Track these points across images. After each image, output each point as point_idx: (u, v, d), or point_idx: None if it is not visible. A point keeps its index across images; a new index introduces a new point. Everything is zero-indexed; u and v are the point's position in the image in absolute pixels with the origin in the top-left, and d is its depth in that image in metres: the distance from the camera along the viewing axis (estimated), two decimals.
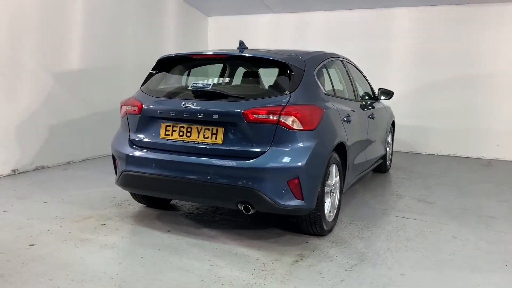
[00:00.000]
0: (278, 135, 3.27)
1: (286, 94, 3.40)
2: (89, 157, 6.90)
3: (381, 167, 6.29)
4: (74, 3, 6.48)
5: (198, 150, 3.45)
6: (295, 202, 3.28)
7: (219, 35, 9.78)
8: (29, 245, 3.40)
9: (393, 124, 6.58)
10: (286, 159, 3.24)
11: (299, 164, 3.24)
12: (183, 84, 3.91)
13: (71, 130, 6.59)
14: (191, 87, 3.63)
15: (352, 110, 4.31)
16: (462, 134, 8.06)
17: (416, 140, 8.38)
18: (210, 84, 3.60)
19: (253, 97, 3.42)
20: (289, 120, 3.26)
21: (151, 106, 3.65)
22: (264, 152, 3.27)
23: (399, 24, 8.31)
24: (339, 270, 3.10)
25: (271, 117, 3.26)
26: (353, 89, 4.81)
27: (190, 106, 3.44)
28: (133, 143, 3.74)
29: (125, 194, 4.82)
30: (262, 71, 3.98)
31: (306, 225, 3.60)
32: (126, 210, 4.36)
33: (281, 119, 3.25)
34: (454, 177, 6.32)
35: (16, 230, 3.74)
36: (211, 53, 3.90)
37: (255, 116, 3.27)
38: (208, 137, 3.43)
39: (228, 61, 4.29)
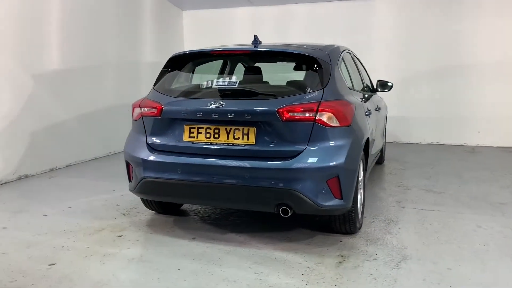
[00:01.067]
0: (315, 133, 3.13)
1: (319, 90, 3.26)
2: (73, 163, 6.49)
3: (378, 159, 6.30)
4: (52, 2, 6.03)
5: (228, 152, 3.26)
6: (335, 202, 3.16)
7: (195, 30, 9.49)
8: (49, 265, 3.10)
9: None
10: (326, 158, 3.12)
11: (339, 162, 3.13)
12: (203, 82, 3.68)
13: (53, 135, 6.16)
14: (216, 85, 3.42)
15: (368, 104, 4.25)
16: (444, 123, 8.25)
17: (400, 130, 8.49)
18: (236, 82, 3.40)
19: (284, 94, 3.26)
20: (326, 117, 3.13)
21: (173, 107, 3.41)
22: (301, 151, 3.13)
23: (380, 16, 8.36)
24: (386, 269, 3.02)
25: (307, 114, 3.12)
26: (362, 82, 4.75)
27: (219, 106, 3.23)
28: (152, 147, 3.49)
29: (129, 202, 4.55)
30: (288, 66, 3.81)
31: (339, 224, 3.50)
32: (138, 218, 4.09)
33: (317, 116, 3.12)
34: (448, 165, 6.43)
35: (26, 248, 3.41)
36: (232, 48, 3.70)
37: (290, 114, 3.12)
38: (238, 138, 3.24)
39: (250, 57, 4.08)
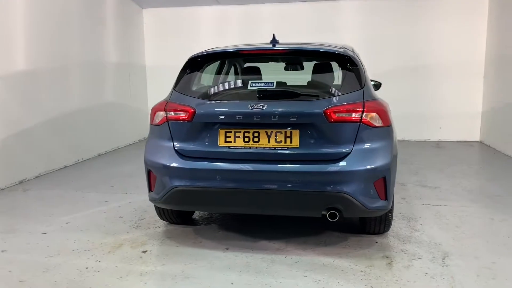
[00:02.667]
0: (360, 134, 3.08)
1: (358, 90, 3.21)
2: (43, 173, 5.92)
3: None
4: (13, 3, 5.45)
5: (270, 156, 3.11)
6: (380, 203, 3.13)
7: (157, 29, 9.08)
8: None
9: None
10: (373, 159, 3.08)
11: (386, 163, 3.10)
12: (235, 83, 3.47)
13: (21, 142, 5.58)
14: (252, 86, 3.25)
15: None
16: (408, 120, 8.58)
17: None
18: (273, 83, 3.25)
19: (326, 95, 3.18)
20: (371, 117, 3.09)
21: (207, 111, 3.19)
22: (348, 153, 3.06)
23: (346, 17, 8.53)
24: (436, 266, 3.05)
25: (353, 115, 3.06)
26: None
27: (260, 108, 3.07)
28: (182, 154, 3.24)
29: (131, 213, 4.26)
30: (321, 66, 3.69)
31: (375, 224, 3.48)
32: (152, 230, 3.80)
33: (363, 116, 3.07)
34: (424, 161, 6.68)
35: (44, 273, 3.02)
36: (263, 48, 3.53)
37: (337, 115, 3.04)
38: (281, 141, 3.10)
39: (282, 56, 3.91)
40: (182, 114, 3.23)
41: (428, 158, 6.92)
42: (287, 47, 3.51)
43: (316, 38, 8.26)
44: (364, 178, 3.04)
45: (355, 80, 3.26)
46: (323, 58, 3.62)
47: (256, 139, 3.13)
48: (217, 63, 3.63)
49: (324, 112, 3.03)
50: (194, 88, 3.44)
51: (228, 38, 8.86)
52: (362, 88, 3.23)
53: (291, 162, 3.08)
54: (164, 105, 3.35)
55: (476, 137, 8.30)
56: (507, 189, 4.98)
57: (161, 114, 3.34)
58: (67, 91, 6.54)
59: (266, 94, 3.17)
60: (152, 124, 3.45)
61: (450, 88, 8.34)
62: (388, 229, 3.59)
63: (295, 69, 3.76)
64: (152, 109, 3.45)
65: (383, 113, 3.15)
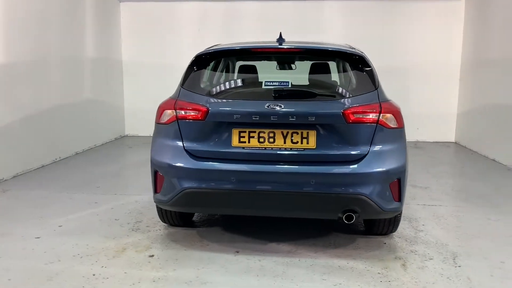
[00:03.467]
0: (377, 135, 3.06)
1: (373, 91, 3.20)
2: (20, 172, 5.59)
3: None
4: None
5: (286, 157, 3.05)
6: (395, 205, 3.13)
7: (134, 24, 8.79)
8: None
9: None
10: (390, 161, 3.07)
11: (402, 164, 3.10)
12: (248, 82, 3.37)
13: None
14: (267, 85, 3.16)
15: None
16: None
17: None
18: (288, 82, 3.17)
19: (343, 96, 3.14)
20: (387, 119, 3.08)
21: (222, 109, 3.08)
22: (365, 154, 3.04)
23: (329, 17, 8.57)
24: (449, 267, 3.08)
25: (371, 116, 3.04)
26: None
27: (278, 108, 2.99)
28: (193, 155, 3.12)
29: (126, 215, 4.11)
30: (333, 66, 3.64)
31: (384, 226, 3.48)
32: (154, 233, 3.65)
33: (380, 117, 3.05)
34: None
35: (49, 281, 2.84)
36: (275, 46, 3.45)
37: (356, 116, 3.01)
38: (297, 142, 3.04)
39: (294, 55, 3.82)
40: (194, 113, 3.10)
41: (410, 158, 7.03)
42: (300, 45, 3.45)
43: (299, 37, 8.27)
44: (381, 179, 3.03)
45: (369, 81, 3.25)
46: (336, 58, 3.57)
47: (271, 140, 3.05)
48: (225, 60, 3.52)
49: (343, 113, 2.99)
50: (203, 86, 3.32)
51: (209, 36, 8.71)
52: (376, 89, 3.21)
53: (308, 163, 3.03)
54: (173, 103, 3.21)
55: (452, 138, 8.55)
56: (493, 189, 5.14)
57: (169, 113, 3.20)
58: (43, 87, 6.21)
59: (282, 94, 3.10)
60: (158, 123, 3.30)
61: (427, 90, 8.54)
62: (395, 230, 3.60)
63: (304, 68, 3.71)
64: (159, 107, 3.30)
65: (398, 115, 3.15)
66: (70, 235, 3.59)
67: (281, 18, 8.58)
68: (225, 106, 3.10)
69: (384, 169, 3.02)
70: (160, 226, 3.79)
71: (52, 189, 4.97)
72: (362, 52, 3.50)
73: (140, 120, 8.94)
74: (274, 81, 3.15)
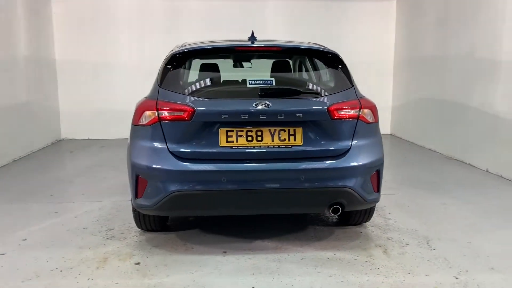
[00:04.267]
0: (358, 130, 3.20)
1: (349, 88, 3.33)
2: None
3: None
4: None
5: (274, 155, 3.08)
6: (375, 196, 3.29)
7: (68, 21, 8.29)
8: None
9: None
10: (370, 154, 3.22)
11: (380, 157, 3.27)
12: (228, 80, 3.33)
13: None
14: (252, 84, 3.16)
15: None
16: None
17: None
18: (272, 80, 3.20)
19: (325, 93, 3.23)
20: (366, 114, 3.23)
21: (209, 109, 3.03)
22: (348, 149, 3.16)
23: (272, 15, 8.69)
24: (426, 251, 3.30)
25: (352, 112, 3.17)
26: None
27: (265, 106, 3.02)
28: (178, 156, 3.04)
29: (93, 223, 3.92)
30: (310, 64, 3.69)
31: (360, 216, 3.63)
32: (131, 240, 3.51)
33: (360, 113, 3.19)
34: None
35: None
36: (258, 45, 3.45)
37: (339, 112, 3.12)
38: (285, 139, 3.08)
39: (272, 53, 3.81)
40: (179, 113, 3.03)
41: None
42: (279, 44, 3.49)
43: (243, 35, 8.31)
44: (364, 172, 3.17)
45: (345, 78, 3.37)
46: (311, 56, 3.63)
47: (259, 138, 3.07)
48: (202, 59, 3.47)
49: (328, 110, 3.08)
50: (184, 86, 3.25)
51: (151, 33, 8.47)
52: (353, 86, 3.35)
53: (296, 160, 3.09)
54: (153, 104, 3.10)
55: (388, 130, 9.07)
56: (439, 177, 5.56)
57: (150, 114, 3.09)
58: None
59: (268, 92, 3.12)
60: (136, 125, 3.18)
61: (364, 86, 8.93)
62: (369, 220, 3.77)
63: (283, 66, 3.75)
64: (138, 108, 3.18)
65: (374, 110, 3.31)
66: (40, 249, 3.34)
67: (225, 17, 8.58)
68: (212, 106, 3.06)
69: (366, 162, 3.17)
70: (135, 232, 3.65)
71: (1, 200, 4.57)
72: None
73: (77, 123, 8.50)
74: (258, 80, 3.16)
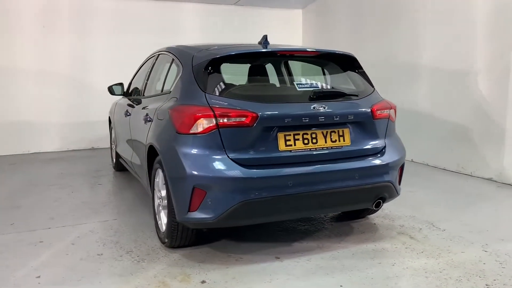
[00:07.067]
0: (389, 128, 3.49)
1: (374, 89, 3.60)
2: None
3: None
4: None
5: (328, 156, 3.18)
6: (400, 187, 3.61)
7: None
8: None
9: None
10: (399, 149, 3.53)
11: (404, 152, 3.60)
12: (277, 85, 3.27)
13: None
14: (302, 88, 3.20)
15: None
16: None
17: None
18: (318, 83, 3.27)
19: (363, 95, 3.43)
20: (392, 113, 3.54)
21: (272, 113, 2.98)
22: (384, 146, 3.42)
23: (186, 19, 8.54)
24: (440, 232, 3.74)
25: (386, 111, 3.44)
26: None
27: (322, 109, 3.10)
28: (241, 164, 2.94)
29: (102, 247, 3.51)
30: (336, 67, 3.74)
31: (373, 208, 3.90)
32: (170, 259, 3.23)
33: (390, 112, 3.49)
34: None
35: None
36: (292, 49, 3.47)
37: (379, 112, 3.36)
38: (335, 140, 3.21)
39: (305, 58, 3.74)
40: (241, 119, 2.92)
41: None
42: (309, 48, 3.56)
43: (157, 39, 8.07)
44: (396, 167, 3.47)
45: (368, 81, 3.63)
46: (336, 60, 3.72)
47: (314, 140, 3.14)
48: (240, 63, 3.36)
49: (371, 110, 3.30)
50: (234, 90, 3.12)
51: (55, 35, 7.61)
52: (374, 88, 3.62)
53: (347, 159, 3.23)
54: (209, 110, 2.92)
55: None
56: None
57: (206, 121, 2.91)
58: None
59: (320, 95, 3.19)
60: (186, 133, 2.96)
61: None
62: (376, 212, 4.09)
63: (314, 70, 3.80)
64: (187, 115, 2.97)
65: (395, 109, 3.63)
66: (71, 285, 2.86)
67: (137, 18, 8.17)
68: (275, 110, 3.01)
69: (398, 157, 3.47)
70: (164, 251, 3.36)
71: None
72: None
73: None
74: (305, 84, 3.22)
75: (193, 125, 2.93)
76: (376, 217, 4.13)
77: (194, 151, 2.94)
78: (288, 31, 9.35)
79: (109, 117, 6.29)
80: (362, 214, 4.00)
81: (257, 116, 2.93)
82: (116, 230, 3.83)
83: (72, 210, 4.43)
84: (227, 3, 8.77)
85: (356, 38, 7.73)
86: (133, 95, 5.06)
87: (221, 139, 2.92)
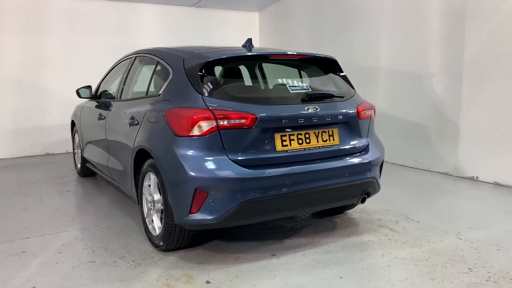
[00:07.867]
0: (370, 128, 3.70)
1: (355, 91, 3.80)
2: None
3: None
4: None
5: (320, 155, 3.32)
6: (380, 183, 3.84)
7: None
8: None
9: None
10: (380, 148, 3.76)
11: (384, 149, 3.83)
12: (271, 87, 3.34)
13: None
14: (294, 90, 3.31)
15: None
16: None
17: None
18: (308, 85, 3.39)
19: (347, 96, 3.60)
20: (373, 114, 3.75)
21: (271, 115, 3.07)
22: (367, 144, 3.63)
23: (144, 19, 8.40)
24: (416, 224, 4.01)
25: (368, 112, 3.65)
26: None
27: (316, 110, 3.24)
28: (241, 164, 3.00)
29: (92, 254, 3.45)
30: (319, 71, 3.85)
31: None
32: (166, 261, 3.23)
33: (371, 113, 3.70)
34: None
35: None
36: (280, 52, 3.54)
37: (363, 112, 3.56)
38: (326, 140, 3.36)
39: (290, 62, 3.80)
40: (241, 121, 2.98)
41: None
42: (297, 52, 3.67)
43: (114, 39, 7.91)
44: (378, 164, 3.69)
45: (349, 83, 3.83)
46: (319, 64, 3.85)
47: (308, 140, 3.27)
48: (231, 65, 3.39)
49: (357, 110, 3.48)
50: (230, 92, 3.17)
51: (3, 35, 7.21)
52: (355, 90, 3.82)
53: (337, 158, 3.39)
54: (208, 113, 2.96)
55: None
56: None
57: (206, 124, 2.95)
58: None
59: (311, 97, 3.32)
60: (185, 136, 2.98)
61: None
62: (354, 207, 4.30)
63: (300, 73, 3.90)
64: (185, 118, 2.99)
65: (374, 110, 3.84)
66: None
67: (94, 18, 7.94)
68: (273, 112, 3.10)
69: (380, 154, 3.69)
70: (159, 255, 3.35)
71: None
72: None
73: None
74: (296, 86, 3.34)
75: (192, 127, 2.95)
76: (354, 212, 4.34)
77: (195, 153, 2.97)
78: (245, 33, 9.43)
79: (72, 121, 6.06)
80: (341, 210, 4.19)
81: (257, 117, 3.01)
82: (102, 237, 3.74)
83: (46, 218, 4.26)
84: (185, 5, 8.73)
85: (314, 40, 7.99)
86: (103, 98, 4.94)
87: (221, 141, 2.97)
